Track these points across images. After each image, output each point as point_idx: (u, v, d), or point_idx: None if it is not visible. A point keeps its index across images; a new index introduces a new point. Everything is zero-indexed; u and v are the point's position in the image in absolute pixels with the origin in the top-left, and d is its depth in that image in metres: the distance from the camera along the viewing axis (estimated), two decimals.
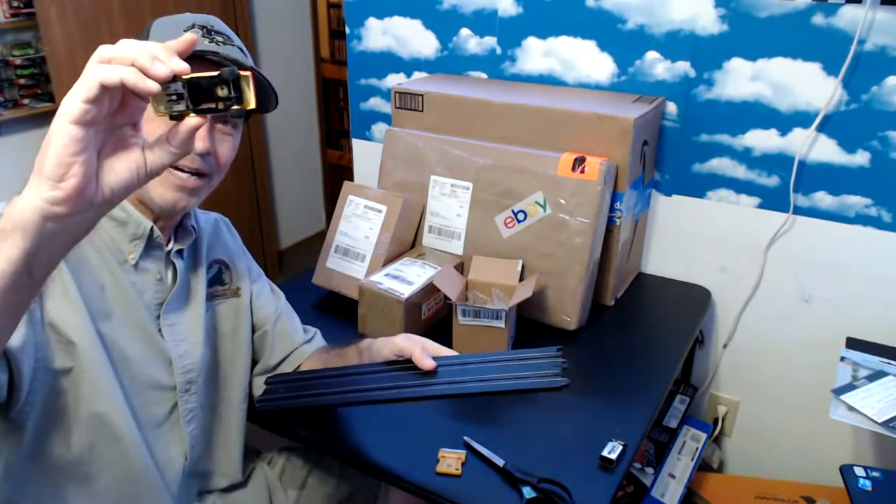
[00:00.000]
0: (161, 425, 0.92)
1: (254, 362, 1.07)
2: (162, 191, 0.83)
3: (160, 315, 0.90)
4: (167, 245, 0.90)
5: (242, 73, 0.56)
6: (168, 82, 0.54)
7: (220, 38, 0.83)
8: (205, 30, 0.83)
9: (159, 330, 0.90)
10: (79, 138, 0.51)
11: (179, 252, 0.92)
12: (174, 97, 0.56)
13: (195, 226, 0.95)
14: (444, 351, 0.92)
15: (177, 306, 0.92)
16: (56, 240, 0.54)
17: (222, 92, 0.56)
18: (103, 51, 0.52)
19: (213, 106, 0.57)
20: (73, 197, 0.52)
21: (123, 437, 0.85)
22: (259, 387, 1.06)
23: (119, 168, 0.55)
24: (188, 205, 0.85)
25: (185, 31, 0.80)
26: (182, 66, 0.54)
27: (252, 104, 0.57)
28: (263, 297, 1.08)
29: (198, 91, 0.56)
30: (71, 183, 0.51)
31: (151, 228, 0.86)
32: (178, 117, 0.56)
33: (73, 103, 0.51)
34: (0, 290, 0.52)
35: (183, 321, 0.93)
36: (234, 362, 1.03)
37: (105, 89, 0.51)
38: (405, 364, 0.91)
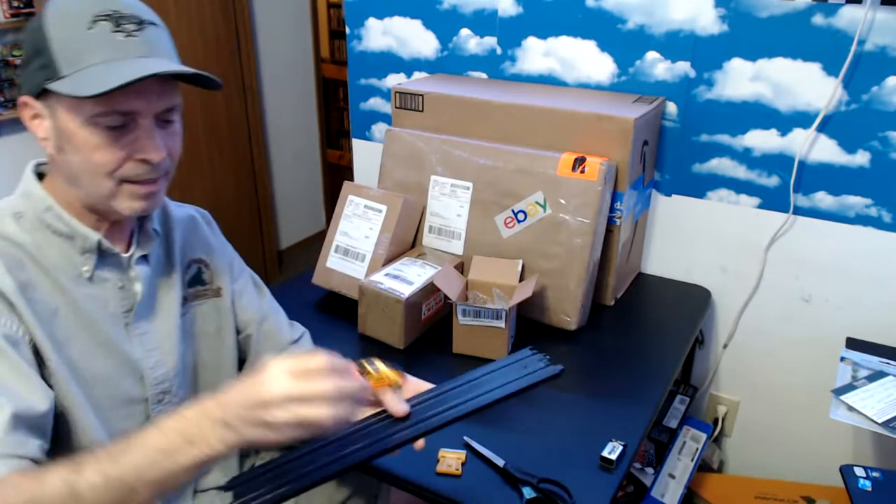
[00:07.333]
0: None
1: (241, 361, 1.05)
2: (128, 203, 0.80)
3: (129, 323, 0.86)
4: (127, 251, 0.86)
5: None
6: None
7: (132, 26, 0.75)
8: (111, 19, 0.74)
9: (131, 339, 0.87)
10: None
11: (144, 257, 0.88)
12: None
13: (157, 229, 0.91)
14: (424, 386, 0.83)
15: (146, 313, 0.89)
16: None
17: None
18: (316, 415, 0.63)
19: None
20: None
21: None
22: None
23: None
24: (155, 204, 0.83)
25: (89, 29, 0.73)
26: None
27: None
28: (246, 297, 1.04)
29: None
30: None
31: (99, 241, 0.82)
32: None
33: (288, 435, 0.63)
34: (171, 486, 0.65)
35: (154, 329, 0.89)
36: (220, 364, 1.00)
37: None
38: (379, 414, 0.81)
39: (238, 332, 1.03)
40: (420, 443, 0.76)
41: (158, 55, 0.77)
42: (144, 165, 0.78)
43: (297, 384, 0.63)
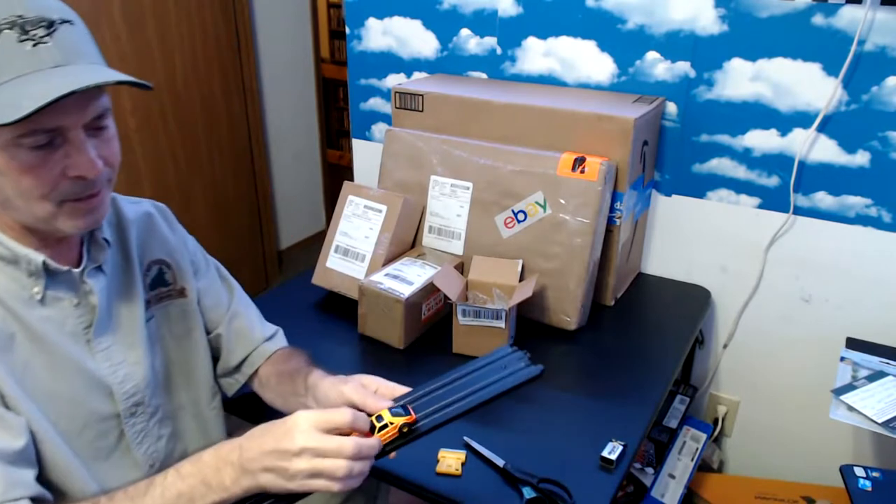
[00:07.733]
0: (111, 455, 0.85)
1: (215, 360, 1.03)
2: (71, 222, 0.75)
3: (91, 340, 0.82)
4: (78, 265, 0.81)
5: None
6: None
7: (40, 31, 0.67)
8: (16, 27, 0.66)
9: (94, 356, 0.83)
10: None
11: (99, 267, 0.84)
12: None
13: (108, 238, 0.86)
14: (401, 390, 0.82)
15: (108, 327, 0.84)
16: None
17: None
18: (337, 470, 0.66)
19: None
20: None
21: (73, 491, 0.79)
22: (228, 386, 1.04)
23: None
24: (101, 217, 0.79)
25: None
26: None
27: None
28: (212, 294, 1.01)
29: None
30: None
31: (44, 262, 0.77)
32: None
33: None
34: None
35: (118, 341, 0.85)
36: (193, 365, 0.98)
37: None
38: None
39: (208, 331, 1.00)
40: (392, 454, 0.75)
41: (77, 60, 0.70)
42: (81, 182, 0.73)
43: (321, 438, 0.66)
